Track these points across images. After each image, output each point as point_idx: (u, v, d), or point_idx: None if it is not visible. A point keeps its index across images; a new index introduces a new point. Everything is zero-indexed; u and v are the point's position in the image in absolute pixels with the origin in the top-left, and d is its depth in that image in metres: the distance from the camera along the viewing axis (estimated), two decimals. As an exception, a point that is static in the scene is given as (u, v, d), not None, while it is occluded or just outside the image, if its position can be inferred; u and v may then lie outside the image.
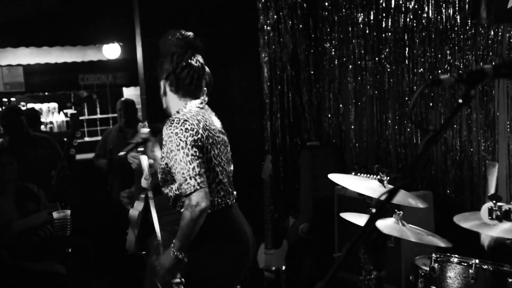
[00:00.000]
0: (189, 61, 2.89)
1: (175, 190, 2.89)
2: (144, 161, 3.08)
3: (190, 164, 2.68)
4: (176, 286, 2.87)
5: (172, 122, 2.78)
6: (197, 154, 2.72)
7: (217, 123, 3.05)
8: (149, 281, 3.42)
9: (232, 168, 3.11)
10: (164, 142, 2.83)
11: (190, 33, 2.95)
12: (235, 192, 3.08)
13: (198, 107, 2.93)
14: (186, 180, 2.69)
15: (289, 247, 5.22)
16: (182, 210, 2.80)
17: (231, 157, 3.13)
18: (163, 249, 3.10)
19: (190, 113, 2.85)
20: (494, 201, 2.78)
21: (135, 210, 3.28)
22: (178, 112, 2.90)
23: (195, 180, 2.68)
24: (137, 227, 3.30)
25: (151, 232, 3.40)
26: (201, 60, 2.97)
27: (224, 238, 2.91)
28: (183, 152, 2.70)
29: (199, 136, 2.77)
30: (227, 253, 2.91)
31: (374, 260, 3.16)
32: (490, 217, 2.70)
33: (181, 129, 2.73)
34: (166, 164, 2.86)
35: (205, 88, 3.05)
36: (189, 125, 2.76)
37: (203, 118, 2.87)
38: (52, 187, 3.85)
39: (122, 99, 6.50)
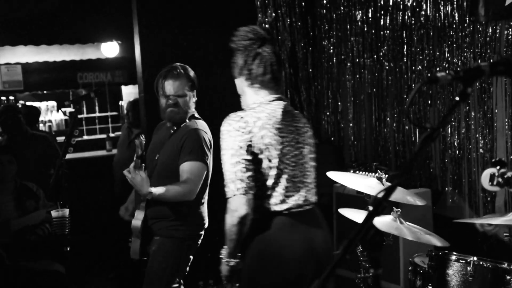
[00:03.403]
0: (259, 50, 2.73)
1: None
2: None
3: (234, 168, 2.56)
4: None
5: (229, 117, 2.65)
6: (244, 156, 2.57)
7: (299, 123, 2.82)
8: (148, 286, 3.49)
9: (308, 172, 2.88)
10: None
11: (257, 26, 2.86)
12: (306, 198, 2.82)
13: (268, 101, 2.73)
14: (227, 183, 2.59)
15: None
16: None
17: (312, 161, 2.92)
18: (158, 253, 3.20)
19: (255, 110, 2.69)
20: (497, 167, 2.70)
21: (137, 219, 3.37)
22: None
23: (235, 185, 2.56)
24: (139, 236, 3.38)
25: (151, 238, 3.51)
26: (273, 50, 2.78)
27: (264, 251, 2.68)
28: (230, 153, 2.58)
29: (251, 135, 2.59)
30: (264, 273, 2.67)
31: (371, 257, 3.15)
32: (490, 183, 2.63)
33: (234, 127, 2.60)
34: None
35: None
36: (243, 122, 2.61)
37: (267, 116, 2.67)
38: (50, 185, 3.85)
39: (131, 100, 6.53)
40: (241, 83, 2.79)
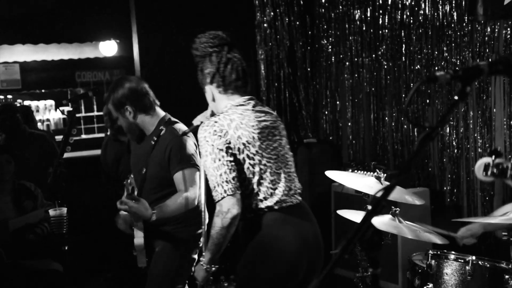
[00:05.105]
0: (229, 56, 2.77)
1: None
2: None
3: (217, 171, 2.60)
4: None
5: (203, 125, 2.67)
6: (225, 158, 2.61)
7: (271, 117, 2.84)
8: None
9: (289, 161, 2.84)
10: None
11: (218, 32, 2.84)
12: (291, 187, 2.79)
13: (239, 103, 2.76)
14: (214, 187, 2.61)
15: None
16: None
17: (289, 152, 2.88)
18: (162, 254, 3.21)
19: (226, 113, 2.71)
20: (493, 157, 2.62)
21: (139, 238, 3.36)
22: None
23: (222, 187, 2.59)
24: (143, 251, 3.38)
25: (153, 245, 3.52)
26: (239, 54, 2.82)
27: (260, 246, 2.72)
28: (211, 157, 2.61)
29: (228, 137, 2.63)
30: (261, 265, 2.71)
31: (370, 257, 3.14)
32: (484, 173, 2.56)
33: (210, 132, 2.63)
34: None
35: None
36: (218, 126, 2.64)
37: (240, 116, 2.70)
38: (48, 184, 3.83)
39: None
40: (212, 90, 2.80)
